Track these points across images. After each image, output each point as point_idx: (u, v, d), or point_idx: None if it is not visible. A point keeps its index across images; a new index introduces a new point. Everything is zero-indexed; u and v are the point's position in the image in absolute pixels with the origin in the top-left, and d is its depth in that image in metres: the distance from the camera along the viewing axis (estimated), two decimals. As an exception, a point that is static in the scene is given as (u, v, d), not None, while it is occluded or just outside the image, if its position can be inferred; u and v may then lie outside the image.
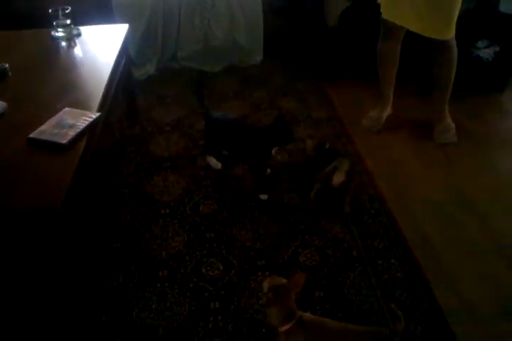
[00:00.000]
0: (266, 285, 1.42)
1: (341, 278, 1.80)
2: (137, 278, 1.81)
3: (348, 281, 1.79)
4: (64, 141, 1.61)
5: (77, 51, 2.29)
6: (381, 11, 2.39)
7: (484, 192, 2.22)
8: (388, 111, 2.73)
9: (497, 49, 2.89)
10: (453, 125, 2.59)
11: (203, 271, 1.84)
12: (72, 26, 2.32)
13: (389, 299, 1.71)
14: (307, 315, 1.43)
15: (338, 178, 2.02)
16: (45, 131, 1.66)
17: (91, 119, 1.73)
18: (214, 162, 2.32)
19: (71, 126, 1.68)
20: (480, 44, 2.90)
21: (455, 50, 2.35)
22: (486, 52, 2.92)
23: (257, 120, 2.68)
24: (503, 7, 2.94)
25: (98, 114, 1.77)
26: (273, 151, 2.10)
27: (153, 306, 1.70)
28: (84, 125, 1.69)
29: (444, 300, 1.73)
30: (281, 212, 2.10)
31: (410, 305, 1.71)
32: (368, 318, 1.66)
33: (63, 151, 1.61)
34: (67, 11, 2.25)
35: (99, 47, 2.27)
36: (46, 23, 2.29)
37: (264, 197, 2.16)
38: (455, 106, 2.64)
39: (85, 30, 2.39)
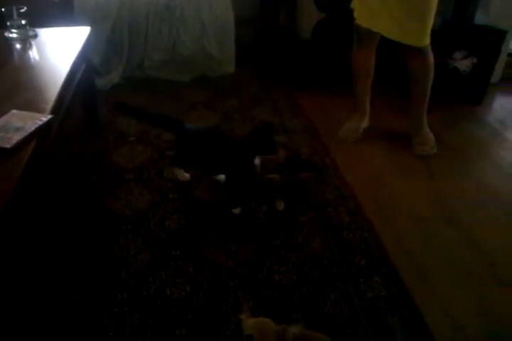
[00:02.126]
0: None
1: (321, 298, 1.63)
2: (92, 302, 1.60)
3: (329, 301, 1.62)
4: (8, 145, 1.42)
5: (32, 53, 2.10)
6: (355, 16, 2.31)
7: (467, 205, 2.12)
8: (366, 122, 2.62)
9: (474, 60, 2.83)
10: (431, 136, 2.50)
11: (168, 292, 1.64)
12: (28, 27, 2.14)
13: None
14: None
15: (280, 205, 2.00)
16: (-12, 134, 1.47)
17: (41, 122, 1.53)
18: (182, 174, 2.14)
19: (18, 129, 1.49)
20: (457, 55, 2.84)
21: (431, 57, 2.29)
22: (463, 63, 2.86)
23: (230, 130, 2.53)
24: (479, 19, 2.90)
25: (50, 116, 1.58)
26: (256, 161, 1.95)
27: (110, 334, 1.50)
28: (33, 128, 1.50)
29: (432, 320, 1.58)
30: (255, 227, 1.93)
31: (397, 327, 1.55)
32: (352, 343, 1.49)
33: (7, 156, 1.41)
34: (22, 10, 2.07)
35: (57, 49, 2.10)
36: (-1, 23, 2.11)
37: (236, 211, 1.99)
38: (433, 117, 2.58)
39: (43, 32, 2.21)
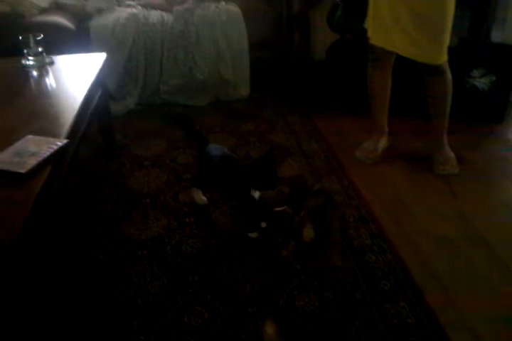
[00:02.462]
0: None
1: (345, 325, 1.56)
2: (108, 330, 1.55)
3: (353, 328, 1.54)
4: (23, 170, 1.40)
5: (48, 80, 2.12)
6: (369, 36, 2.29)
7: (493, 224, 2.04)
8: (384, 143, 2.58)
9: (493, 78, 2.79)
10: (453, 155, 2.44)
11: (186, 320, 1.59)
12: (44, 54, 2.16)
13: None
14: None
15: (308, 233, 1.77)
16: (3, 159, 1.46)
17: (56, 147, 1.52)
18: (200, 196, 2.11)
19: (33, 154, 1.47)
20: (475, 73, 2.80)
21: (449, 74, 2.25)
22: (481, 81, 2.81)
23: (245, 153, 2.51)
24: (495, 36, 2.87)
25: (66, 141, 1.57)
26: (254, 194, 1.85)
27: (126, 364, 1.44)
28: (48, 153, 1.49)
29: None
30: (274, 251, 1.88)
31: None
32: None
33: (22, 182, 1.39)
34: (38, 38, 2.10)
35: (73, 75, 2.11)
36: (16, 51, 2.13)
37: (253, 235, 1.94)
38: (454, 137, 2.51)
39: (59, 59, 2.23)
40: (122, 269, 1.78)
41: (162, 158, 2.49)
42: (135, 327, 1.56)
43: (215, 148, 2.00)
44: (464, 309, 1.63)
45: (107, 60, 2.27)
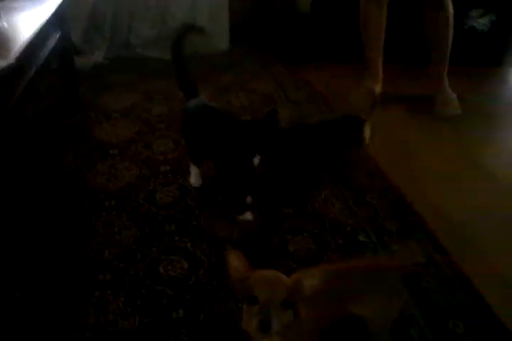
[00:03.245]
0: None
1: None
2: (69, 286, 1.30)
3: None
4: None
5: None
6: None
7: (499, 159, 1.90)
8: (379, 88, 2.35)
9: (493, 18, 2.57)
10: (454, 96, 2.24)
11: (161, 270, 1.35)
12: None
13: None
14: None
15: None
16: None
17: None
18: (194, 176, 1.70)
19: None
20: (474, 13, 2.57)
21: (451, 8, 2.09)
22: (480, 22, 2.60)
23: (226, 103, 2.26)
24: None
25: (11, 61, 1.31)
26: (255, 161, 1.49)
27: (91, 321, 1.20)
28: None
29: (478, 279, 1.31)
30: (262, 196, 1.64)
31: (445, 301, 1.25)
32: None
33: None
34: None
35: (27, 11, 1.84)
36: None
37: (248, 216, 1.55)
38: (452, 79, 2.31)
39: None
40: (87, 221, 1.53)
41: (135, 109, 2.22)
42: (101, 282, 1.31)
43: (198, 101, 1.62)
44: (482, 248, 1.43)
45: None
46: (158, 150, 1.90)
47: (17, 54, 1.42)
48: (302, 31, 2.83)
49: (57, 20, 1.96)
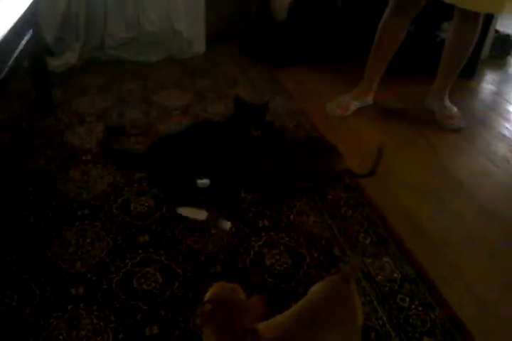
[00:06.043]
0: (208, 294, 0.97)
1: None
2: (40, 300, 1.27)
3: (333, 287, 1.33)
4: None
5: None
6: None
7: (474, 174, 1.95)
8: (370, 100, 2.39)
9: (464, 30, 2.62)
10: (456, 109, 2.31)
11: (135, 284, 1.33)
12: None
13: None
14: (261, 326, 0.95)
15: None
16: None
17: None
18: (199, 212, 1.60)
19: None
20: (446, 26, 2.62)
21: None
22: (452, 35, 2.64)
23: (201, 110, 2.24)
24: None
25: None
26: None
27: (61, 337, 1.17)
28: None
29: (451, 296, 1.35)
30: (237, 205, 1.64)
31: (417, 313, 1.27)
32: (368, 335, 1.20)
33: None
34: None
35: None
36: None
37: (227, 225, 1.55)
38: (421, 89, 2.41)
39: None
40: (58, 231, 1.49)
41: (108, 113, 2.18)
42: (73, 296, 1.28)
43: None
44: (453, 261, 1.47)
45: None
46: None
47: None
48: (278, 38, 2.84)
49: (29, 19, 1.90)
